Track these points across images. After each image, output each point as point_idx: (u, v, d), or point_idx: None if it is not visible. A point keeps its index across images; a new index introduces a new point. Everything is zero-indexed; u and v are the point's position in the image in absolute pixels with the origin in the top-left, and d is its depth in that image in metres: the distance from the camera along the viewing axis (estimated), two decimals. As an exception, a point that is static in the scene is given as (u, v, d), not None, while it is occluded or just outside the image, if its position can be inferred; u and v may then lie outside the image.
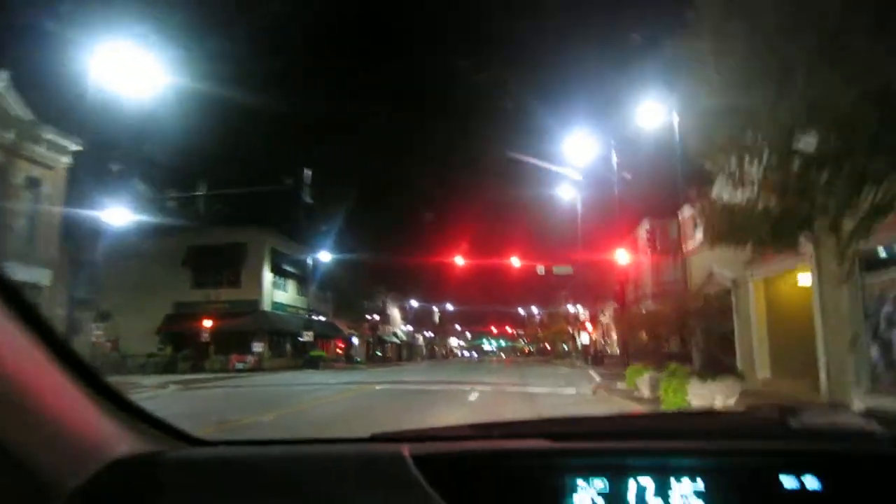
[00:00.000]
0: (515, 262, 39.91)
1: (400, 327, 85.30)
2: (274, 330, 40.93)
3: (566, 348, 79.45)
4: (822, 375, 11.16)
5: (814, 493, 1.20)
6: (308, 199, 20.27)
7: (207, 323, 38.10)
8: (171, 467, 1.31)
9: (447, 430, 1.56)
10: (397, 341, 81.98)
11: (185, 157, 36.68)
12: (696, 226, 18.71)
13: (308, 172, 19.99)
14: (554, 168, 29.37)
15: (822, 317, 10.74)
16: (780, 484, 1.22)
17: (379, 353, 73.13)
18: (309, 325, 41.37)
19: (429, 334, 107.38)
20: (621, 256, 20.43)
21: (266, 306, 41.27)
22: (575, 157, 27.30)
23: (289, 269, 43.57)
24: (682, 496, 1.23)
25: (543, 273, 39.16)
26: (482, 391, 17.94)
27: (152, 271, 38.58)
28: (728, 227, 8.68)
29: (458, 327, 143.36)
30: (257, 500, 1.26)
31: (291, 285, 45.60)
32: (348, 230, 78.36)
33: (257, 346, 39.05)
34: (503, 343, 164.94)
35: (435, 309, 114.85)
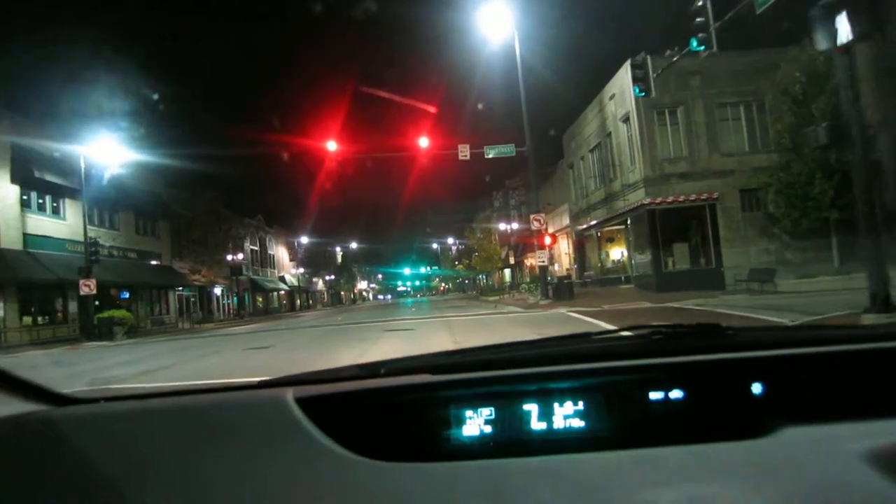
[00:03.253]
0: (423, 142, 24.80)
1: (289, 271, 68.97)
2: (25, 280, 24.15)
3: (487, 281, 65.91)
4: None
5: (676, 401, 1.30)
6: None
7: None
8: (35, 429, 1.28)
9: (334, 372, 1.52)
10: (286, 288, 65.72)
11: None
12: None
13: None
14: None
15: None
16: (648, 397, 1.30)
17: (260, 306, 56.95)
18: (88, 270, 24.64)
19: (330, 278, 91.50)
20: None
21: (9, 242, 24.25)
22: None
23: (57, 180, 26.29)
24: (564, 417, 1.29)
25: (468, 158, 24.51)
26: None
27: None
28: None
29: (366, 269, 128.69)
30: (145, 455, 1.22)
31: (71, 208, 28.16)
32: (182, 125, 60.16)
33: (-8, 310, 22.55)
34: (418, 283, 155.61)
35: (338, 249, 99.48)
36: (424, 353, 1.71)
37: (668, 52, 16.11)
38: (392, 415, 1.30)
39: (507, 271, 59.33)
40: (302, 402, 1.28)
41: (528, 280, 42.75)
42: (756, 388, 1.30)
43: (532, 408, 1.29)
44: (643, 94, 17.09)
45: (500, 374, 1.36)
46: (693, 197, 24.19)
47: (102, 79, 27.42)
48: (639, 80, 16.99)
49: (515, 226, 48.44)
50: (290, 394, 1.31)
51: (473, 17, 24.94)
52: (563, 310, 19.62)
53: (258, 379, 1.52)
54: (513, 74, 25.41)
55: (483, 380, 1.36)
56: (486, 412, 1.28)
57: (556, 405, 1.29)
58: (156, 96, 31.50)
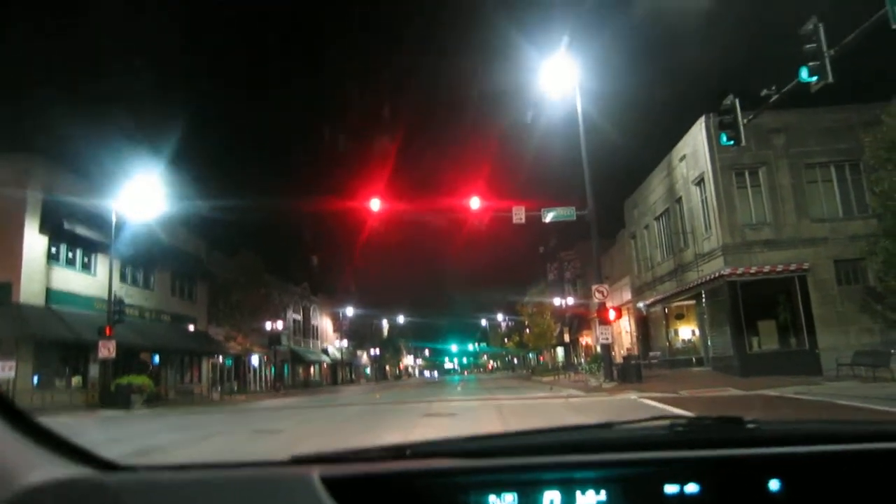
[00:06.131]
0: (475, 203, 22.74)
1: (333, 343, 66.87)
2: (43, 339, 22.47)
3: (537, 360, 62.18)
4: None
5: (691, 496, 1.25)
6: None
7: None
8: (87, 493, 1.29)
9: (362, 452, 1.54)
10: (327, 360, 63.42)
11: None
12: None
13: None
14: None
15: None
16: (664, 490, 1.27)
17: (304, 379, 54.65)
18: (103, 331, 22.80)
19: (375, 352, 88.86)
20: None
21: (32, 296, 22.79)
22: None
23: (89, 234, 25.11)
24: None
25: (523, 221, 22.38)
26: None
27: None
28: None
29: (412, 344, 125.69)
30: None
31: (102, 265, 26.62)
32: (229, 189, 59.41)
33: (4, 369, 20.83)
34: (465, 360, 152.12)
35: (384, 323, 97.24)
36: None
37: (763, 92, 13.69)
38: (414, 498, 1.28)
39: (560, 350, 55.79)
40: (327, 481, 1.27)
41: (583, 359, 39.35)
42: (773, 484, 1.25)
43: (555, 496, 1.26)
44: (732, 142, 14.61)
45: (524, 461, 1.35)
46: (780, 268, 21.18)
47: (145, 136, 26.49)
48: (727, 126, 14.55)
49: (570, 300, 45.39)
50: (316, 472, 1.29)
51: (531, 71, 23.25)
52: (632, 395, 16.80)
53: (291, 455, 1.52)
54: (571, 135, 23.31)
55: (507, 467, 1.34)
56: (509, 498, 1.25)
57: (578, 493, 1.26)
58: (200, 159, 30.76)
